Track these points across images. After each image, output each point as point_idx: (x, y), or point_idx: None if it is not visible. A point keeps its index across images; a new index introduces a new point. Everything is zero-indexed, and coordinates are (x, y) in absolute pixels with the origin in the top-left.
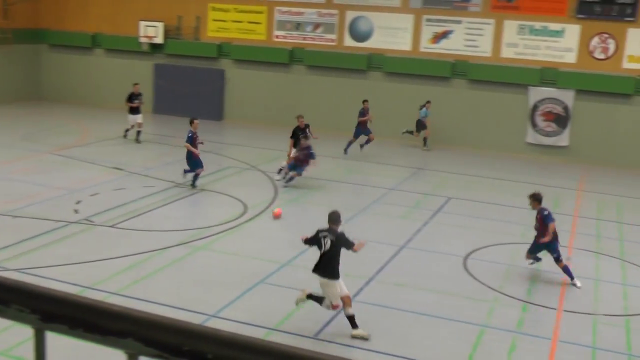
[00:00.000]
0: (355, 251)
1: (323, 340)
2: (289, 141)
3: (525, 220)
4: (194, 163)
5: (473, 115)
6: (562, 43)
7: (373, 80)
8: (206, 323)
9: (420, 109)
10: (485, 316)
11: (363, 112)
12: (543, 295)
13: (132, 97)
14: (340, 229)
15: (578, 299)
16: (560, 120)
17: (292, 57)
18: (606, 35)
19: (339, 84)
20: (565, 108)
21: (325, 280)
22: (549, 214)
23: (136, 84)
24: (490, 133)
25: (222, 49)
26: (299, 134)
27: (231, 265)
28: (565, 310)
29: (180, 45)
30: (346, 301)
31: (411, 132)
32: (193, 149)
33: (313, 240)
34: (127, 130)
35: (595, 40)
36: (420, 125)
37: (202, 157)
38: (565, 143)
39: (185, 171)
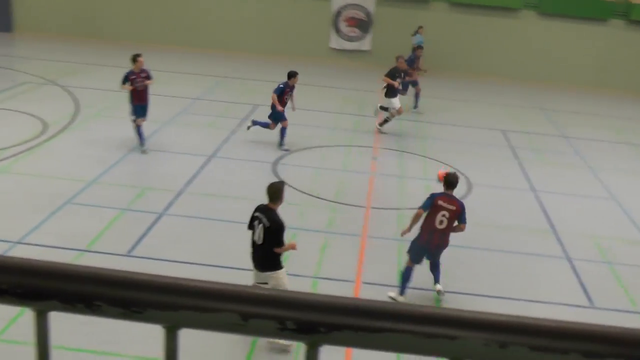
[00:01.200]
0: (277, 253)
1: (136, 257)
2: (385, 80)
3: (331, 123)
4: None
5: (274, 21)
6: None
7: None
8: (10, 251)
9: (414, 35)
10: (297, 218)
11: (413, 60)
12: (352, 195)
13: None
14: (279, 210)
15: (384, 196)
16: (363, 25)
17: None
18: None
19: None
20: (368, 14)
21: (268, 274)
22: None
23: None
24: (293, 39)
25: None
26: (396, 76)
27: (35, 188)
28: (372, 208)
29: None
30: None
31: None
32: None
33: (250, 225)
34: None
35: None
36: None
37: None
38: (368, 47)
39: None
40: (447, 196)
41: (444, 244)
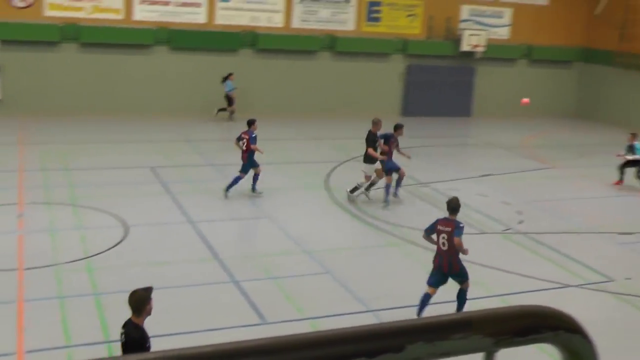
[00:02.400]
0: None
1: None
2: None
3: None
4: None
5: None
6: None
7: None
8: None
9: (223, 82)
10: None
11: (389, 138)
12: (2, 258)
13: None
14: (145, 322)
15: (37, 254)
16: None
17: None
18: None
19: None
20: None
21: None
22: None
23: None
24: None
25: None
26: (376, 141)
27: None
28: (26, 269)
29: None
30: None
31: (224, 109)
32: None
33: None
34: None
35: None
36: (229, 99)
37: None
38: None
39: None
40: (446, 219)
41: (454, 267)
